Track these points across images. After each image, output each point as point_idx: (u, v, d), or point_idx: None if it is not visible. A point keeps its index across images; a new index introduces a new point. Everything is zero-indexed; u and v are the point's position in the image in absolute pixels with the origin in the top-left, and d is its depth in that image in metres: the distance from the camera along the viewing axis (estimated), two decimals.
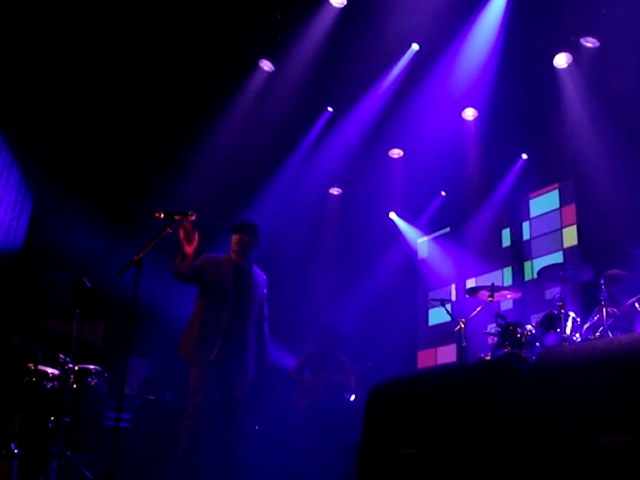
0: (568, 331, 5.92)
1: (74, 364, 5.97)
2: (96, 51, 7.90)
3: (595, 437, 2.05)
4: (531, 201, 9.84)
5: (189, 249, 5.32)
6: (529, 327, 6.21)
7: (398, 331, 10.64)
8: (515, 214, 9.95)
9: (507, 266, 9.93)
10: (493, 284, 6.78)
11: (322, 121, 9.56)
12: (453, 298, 10.70)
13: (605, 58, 7.69)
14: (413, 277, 11.33)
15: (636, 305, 5.76)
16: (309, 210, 10.51)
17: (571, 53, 7.91)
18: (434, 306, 10.33)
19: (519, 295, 7.36)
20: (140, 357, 8.82)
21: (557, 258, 9.08)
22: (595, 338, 5.80)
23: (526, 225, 9.82)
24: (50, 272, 8.53)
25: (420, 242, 11.41)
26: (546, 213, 9.55)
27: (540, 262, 9.27)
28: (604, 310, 5.69)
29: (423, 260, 11.37)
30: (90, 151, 9.32)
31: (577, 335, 5.98)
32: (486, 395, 2.43)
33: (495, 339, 6.42)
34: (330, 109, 9.43)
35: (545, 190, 9.59)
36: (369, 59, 8.22)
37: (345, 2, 7.66)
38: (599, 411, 2.08)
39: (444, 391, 2.67)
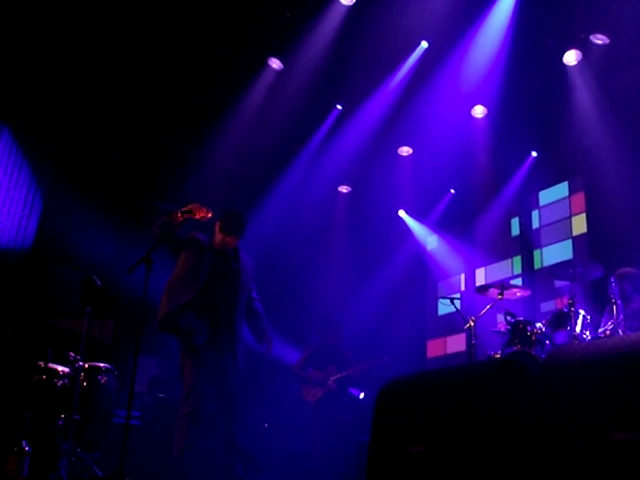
0: (578, 329, 5.91)
1: (84, 362, 6.00)
2: (106, 50, 7.92)
3: (605, 435, 2.05)
4: (540, 192, 9.84)
5: (181, 215, 5.26)
6: (539, 325, 6.21)
7: (407, 321, 10.70)
8: (524, 203, 9.92)
9: (516, 255, 9.93)
10: (503, 282, 6.78)
11: (331, 119, 9.56)
12: (462, 288, 10.74)
13: (615, 55, 7.66)
14: (422, 268, 11.31)
15: None
16: (318, 208, 10.51)
17: (581, 50, 7.88)
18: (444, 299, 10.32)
19: (529, 293, 7.34)
20: (149, 355, 8.84)
21: (566, 246, 9.11)
22: (605, 336, 5.79)
23: (535, 214, 9.81)
24: (60, 270, 8.56)
25: (429, 238, 11.40)
26: (555, 201, 9.54)
27: (549, 250, 9.38)
28: (614, 308, 5.68)
29: (432, 251, 11.36)
30: (100, 149, 9.34)
31: (587, 333, 5.97)
32: (496, 393, 2.43)
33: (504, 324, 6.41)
34: (339, 107, 9.42)
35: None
36: (378, 57, 8.21)
37: (354, 0, 7.65)
38: (609, 409, 2.07)
39: (454, 389, 2.67)
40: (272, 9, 7.66)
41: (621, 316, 5.80)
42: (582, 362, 2.22)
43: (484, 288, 6.86)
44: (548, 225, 9.57)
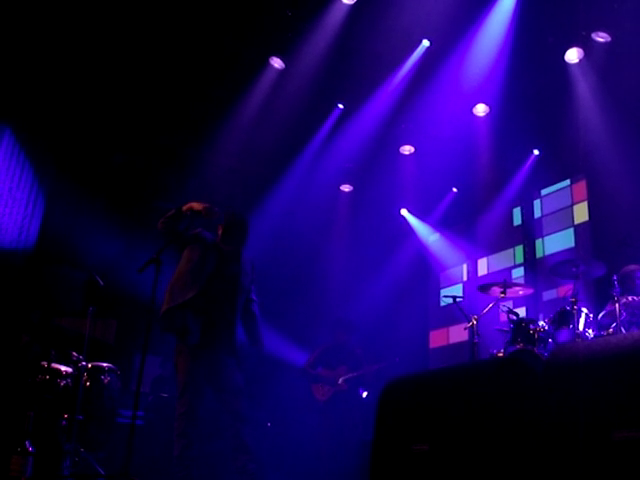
0: (581, 327, 5.90)
1: (87, 362, 6.00)
2: (107, 50, 7.93)
3: (608, 433, 2.05)
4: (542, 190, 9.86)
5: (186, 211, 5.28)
6: (541, 323, 6.20)
7: (410, 312, 10.78)
8: (526, 193, 9.95)
9: (518, 244, 9.95)
10: (505, 280, 6.77)
11: (333, 118, 9.56)
12: (464, 278, 10.77)
13: (616, 53, 7.66)
14: (424, 261, 11.32)
15: None
16: (320, 207, 10.51)
17: (582, 48, 7.88)
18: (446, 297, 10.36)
19: (531, 291, 7.34)
20: (152, 355, 8.84)
21: (568, 235, 9.13)
22: (608, 334, 5.79)
23: (537, 203, 9.82)
24: (63, 270, 8.56)
25: (431, 236, 11.42)
26: (557, 190, 9.55)
27: (551, 239, 9.40)
28: (617, 306, 5.68)
29: (434, 244, 11.37)
30: (102, 149, 9.35)
31: (590, 331, 5.96)
32: (499, 392, 2.43)
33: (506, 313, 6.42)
34: (341, 106, 9.42)
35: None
36: (379, 56, 8.22)
37: None
38: (612, 407, 2.07)
39: (457, 388, 2.67)
40: (273, 8, 7.67)
41: (624, 314, 5.80)
42: (585, 360, 2.22)
43: (486, 287, 6.85)
44: (550, 214, 9.58)
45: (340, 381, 8.16)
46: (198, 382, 5.17)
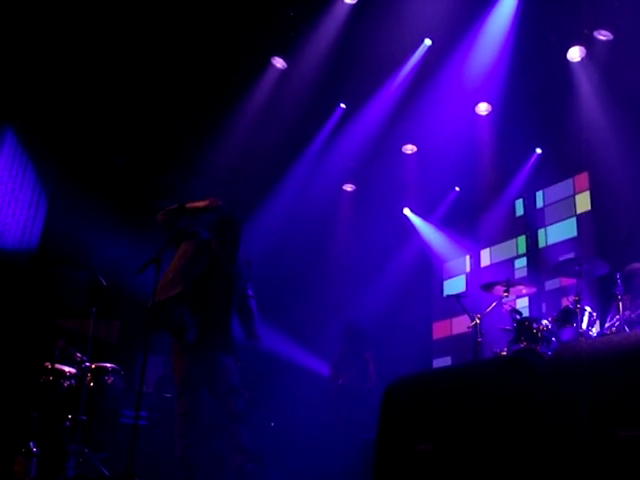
0: (584, 326, 5.90)
1: (91, 362, 6.01)
2: (110, 51, 7.94)
3: (612, 432, 2.05)
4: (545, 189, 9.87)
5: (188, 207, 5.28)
6: (545, 322, 6.20)
7: (414, 304, 10.85)
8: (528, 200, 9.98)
9: (521, 235, 9.96)
10: (509, 279, 6.76)
11: (335, 118, 9.56)
12: (467, 269, 10.80)
13: (619, 51, 7.65)
14: (427, 257, 11.35)
15: None
16: (323, 207, 10.51)
17: (585, 46, 7.87)
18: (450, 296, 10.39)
19: (534, 290, 7.34)
20: (155, 355, 8.85)
21: (571, 225, 9.13)
22: (612, 333, 5.79)
23: (539, 194, 9.81)
24: (66, 271, 8.57)
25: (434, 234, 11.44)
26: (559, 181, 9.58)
27: (554, 229, 9.40)
28: (620, 304, 5.67)
29: (437, 241, 11.39)
30: (104, 150, 9.36)
31: (593, 330, 5.96)
32: (502, 391, 2.43)
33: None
34: (343, 105, 9.42)
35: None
36: (381, 55, 8.21)
37: None
38: (616, 406, 2.07)
39: (460, 387, 2.67)
40: (275, 8, 7.67)
41: (627, 312, 5.79)
42: (588, 359, 2.22)
43: (490, 286, 6.84)
44: (552, 204, 9.58)
45: (340, 382, 8.21)
46: (196, 382, 5.15)
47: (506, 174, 9.87)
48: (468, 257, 10.84)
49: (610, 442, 2.04)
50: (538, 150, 9.63)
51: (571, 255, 8.67)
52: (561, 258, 8.75)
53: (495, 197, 10.14)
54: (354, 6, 7.73)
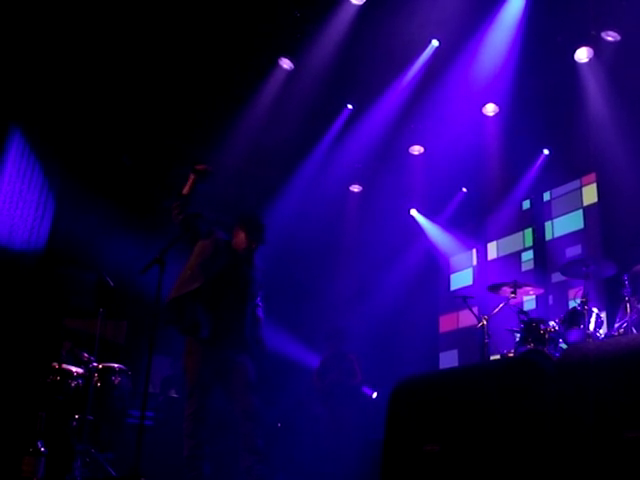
0: (592, 327, 5.89)
1: (98, 363, 6.03)
2: (117, 51, 7.95)
3: (620, 433, 2.05)
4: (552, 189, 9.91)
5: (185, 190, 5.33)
6: (552, 323, 6.19)
7: (420, 297, 10.89)
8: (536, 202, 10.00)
9: (527, 228, 10.01)
10: (516, 280, 6.75)
11: (342, 119, 9.56)
12: (474, 262, 10.84)
13: (626, 52, 7.63)
14: (434, 252, 11.40)
15: None
16: (330, 208, 10.52)
17: (592, 47, 7.86)
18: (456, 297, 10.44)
19: (541, 291, 7.33)
20: (163, 355, 8.86)
21: (577, 217, 9.18)
22: (619, 334, 5.77)
23: (546, 194, 9.88)
24: (73, 271, 8.58)
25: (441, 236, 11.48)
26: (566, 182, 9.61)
27: (561, 221, 9.46)
28: (628, 306, 5.65)
29: (444, 236, 11.44)
30: (112, 150, 9.38)
31: (601, 331, 5.95)
32: (509, 392, 2.43)
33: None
34: (350, 106, 9.42)
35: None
36: (388, 56, 8.21)
37: None
38: (623, 407, 2.07)
39: (468, 388, 2.67)
40: (282, 9, 7.67)
41: (634, 314, 5.78)
42: (596, 360, 2.22)
43: (497, 287, 6.83)
44: (559, 197, 9.63)
45: (327, 382, 8.30)
46: (207, 382, 5.13)
47: (513, 175, 9.87)
48: (475, 251, 10.89)
49: (617, 443, 2.04)
50: (545, 151, 9.62)
51: (578, 247, 8.85)
52: (568, 250, 8.95)
53: (502, 198, 10.14)
54: (361, 7, 7.73)
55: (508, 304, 6.65)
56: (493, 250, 10.52)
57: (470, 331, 9.96)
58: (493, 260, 10.46)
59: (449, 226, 11.14)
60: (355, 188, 11.22)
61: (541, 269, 9.47)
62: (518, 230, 10.13)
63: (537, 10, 7.44)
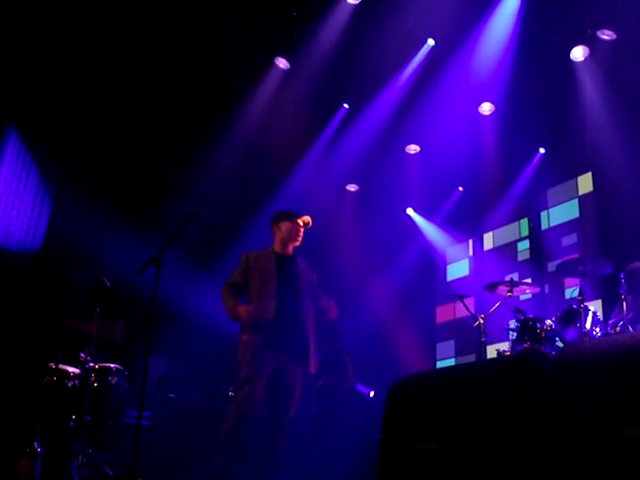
0: (588, 326, 5.88)
1: (95, 363, 6.02)
2: (114, 51, 7.95)
3: (616, 432, 2.05)
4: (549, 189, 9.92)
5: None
6: (549, 322, 6.18)
7: (417, 289, 10.95)
8: (533, 201, 10.03)
9: (523, 217, 10.04)
10: (512, 279, 6.76)
11: (338, 118, 9.56)
12: (470, 253, 10.88)
13: (622, 50, 7.64)
14: (431, 250, 11.45)
15: None
16: (326, 207, 10.51)
17: (588, 46, 7.86)
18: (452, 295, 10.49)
19: (538, 290, 7.33)
20: (160, 355, 8.86)
21: (572, 206, 9.22)
22: (615, 333, 5.77)
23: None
24: (70, 271, 8.58)
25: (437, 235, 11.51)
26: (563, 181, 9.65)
27: (556, 210, 9.49)
28: (624, 304, 5.66)
29: (440, 234, 11.50)
30: (109, 150, 9.37)
31: (597, 330, 5.95)
32: (506, 391, 2.43)
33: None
34: (346, 106, 9.42)
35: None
36: (384, 55, 8.21)
37: None
38: (620, 406, 2.07)
39: (464, 387, 2.67)
40: (278, 8, 7.67)
41: (631, 313, 5.78)
42: (592, 359, 2.22)
43: (493, 286, 6.83)
44: (555, 186, 9.66)
45: (320, 383, 8.31)
46: (259, 382, 5.07)
47: (510, 174, 9.88)
48: (471, 241, 10.94)
49: (614, 441, 2.04)
50: (542, 150, 9.63)
51: (574, 236, 8.93)
52: (564, 239, 9.03)
53: (498, 197, 10.15)
54: (357, 6, 7.73)
55: (505, 303, 6.66)
56: (489, 240, 10.58)
57: (467, 321, 10.05)
58: (489, 250, 10.53)
59: (445, 225, 11.16)
60: (352, 187, 11.22)
61: (537, 259, 9.55)
62: (514, 220, 10.19)
63: (533, 9, 7.44)
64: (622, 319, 5.70)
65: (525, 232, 9.94)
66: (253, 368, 5.09)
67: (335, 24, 7.87)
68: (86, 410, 5.66)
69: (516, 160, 9.70)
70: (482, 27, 7.76)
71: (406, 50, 8.32)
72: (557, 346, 6.06)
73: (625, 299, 5.69)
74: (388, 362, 10.07)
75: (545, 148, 9.60)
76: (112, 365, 6.27)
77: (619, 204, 8.22)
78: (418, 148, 10.16)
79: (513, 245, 10.05)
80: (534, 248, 9.70)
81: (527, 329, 6.17)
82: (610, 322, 6.07)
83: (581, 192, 9.14)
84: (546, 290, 9.13)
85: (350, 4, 7.72)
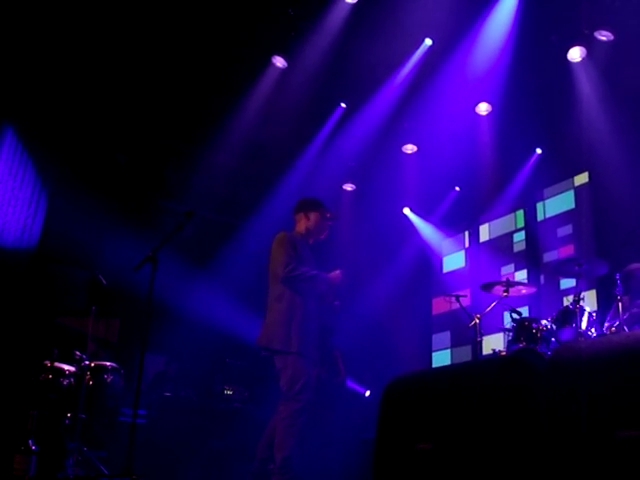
0: (584, 326, 5.89)
1: (90, 361, 6.01)
2: (110, 49, 7.94)
3: (611, 433, 2.05)
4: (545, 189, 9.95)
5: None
6: (544, 322, 6.19)
7: (413, 283, 11.02)
8: (528, 192, 10.06)
9: (519, 209, 10.10)
10: (508, 279, 6.77)
11: (335, 117, 9.56)
12: (467, 244, 10.94)
13: (619, 51, 7.65)
14: (427, 249, 11.50)
15: None
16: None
17: (585, 47, 7.87)
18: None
19: (534, 290, 7.34)
20: (156, 354, 8.86)
21: (568, 198, 9.28)
22: (611, 333, 5.78)
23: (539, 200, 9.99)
24: (65, 269, 8.56)
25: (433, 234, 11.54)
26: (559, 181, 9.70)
27: (552, 202, 9.55)
28: (620, 305, 5.67)
29: (436, 234, 11.56)
30: (105, 148, 9.36)
31: (593, 330, 5.96)
32: (501, 391, 2.43)
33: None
34: (343, 105, 9.42)
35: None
36: (382, 55, 8.20)
37: None
38: (615, 407, 2.07)
39: (459, 386, 2.67)
40: (275, 7, 7.67)
41: (626, 313, 5.79)
42: (588, 359, 2.22)
43: (489, 286, 6.84)
44: (550, 186, 9.71)
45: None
46: (312, 380, 5.16)
47: (506, 174, 9.89)
48: (467, 233, 10.98)
49: (609, 442, 2.04)
50: (538, 150, 9.64)
51: (569, 227, 9.00)
52: (559, 230, 9.12)
53: (495, 198, 10.18)
54: (354, 6, 7.72)
55: (501, 302, 6.67)
56: (485, 232, 10.64)
57: (463, 313, 10.11)
58: (485, 242, 10.59)
59: (441, 224, 11.18)
60: (348, 187, 11.22)
61: (532, 250, 9.60)
62: (510, 212, 10.24)
63: (530, 9, 7.44)
64: (618, 320, 5.71)
65: (521, 223, 10.02)
66: (308, 366, 5.20)
67: (332, 23, 7.87)
68: (81, 408, 5.64)
69: (513, 160, 9.72)
70: (480, 27, 7.77)
71: (404, 49, 8.32)
72: (553, 346, 6.07)
73: (621, 300, 5.69)
74: (385, 358, 10.10)
75: (542, 148, 9.61)
76: (108, 363, 6.26)
77: (615, 204, 8.23)
78: (415, 148, 10.17)
79: (509, 236, 10.13)
80: (530, 239, 9.77)
81: (523, 329, 6.18)
82: (606, 324, 6.08)
83: (577, 183, 9.24)
84: (542, 281, 9.22)
85: (348, 3, 7.72)
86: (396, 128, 9.56)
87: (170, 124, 9.22)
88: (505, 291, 6.60)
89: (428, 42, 8.21)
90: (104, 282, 6.49)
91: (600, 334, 5.93)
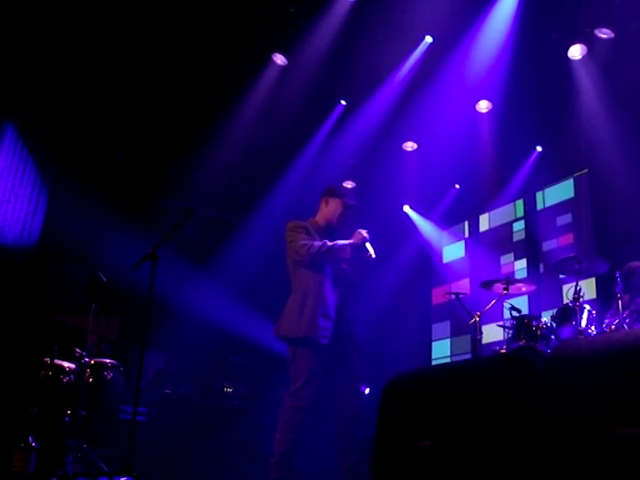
0: (583, 324, 5.89)
1: (91, 354, 6.01)
2: (110, 46, 7.93)
3: (611, 430, 2.05)
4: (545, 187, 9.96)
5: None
6: (544, 320, 6.19)
7: (413, 274, 11.07)
8: (528, 190, 10.08)
9: (519, 198, 10.12)
10: (508, 276, 6.76)
11: (335, 114, 9.55)
12: (466, 235, 10.97)
13: (620, 49, 7.64)
14: (426, 244, 11.53)
15: None
16: None
17: (586, 44, 7.86)
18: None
19: (534, 288, 7.34)
20: (156, 351, 8.86)
21: (567, 187, 9.32)
22: (611, 331, 5.78)
23: (539, 194, 9.98)
24: (65, 267, 8.57)
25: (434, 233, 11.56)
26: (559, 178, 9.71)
27: (552, 191, 9.60)
28: (620, 303, 5.67)
29: (436, 231, 11.61)
30: (105, 145, 9.36)
31: (593, 328, 5.96)
32: (501, 388, 2.43)
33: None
34: (343, 102, 9.42)
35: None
36: (382, 52, 8.20)
37: None
38: (615, 404, 2.07)
39: (459, 384, 2.67)
40: (276, 5, 7.66)
41: (626, 311, 5.79)
42: (588, 357, 2.22)
43: (489, 283, 6.83)
44: (550, 184, 9.73)
45: None
46: (321, 374, 4.91)
47: (506, 172, 9.89)
48: (467, 223, 11.01)
49: (609, 440, 2.04)
50: (539, 148, 9.64)
51: (568, 216, 9.05)
52: (558, 219, 9.17)
53: (495, 195, 10.18)
54: (355, 3, 7.72)
55: (500, 300, 6.66)
56: (485, 222, 10.67)
57: (463, 302, 10.12)
58: (485, 232, 10.62)
59: (441, 222, 11.18)
60: (348, 184, 11.21)
61: (532, 239, 9.63)
62: (509, 201, 10.25)
63: (530, 7, 7.44)
64: (618, 318, 5.71)
65: (521, 213, 10.04)
66: (316, 360, 5.00)
67: (333, 20, 7.86)
68: (81, 405, 5.65)
69: (513, 158, 9.71)
70: (480, 25, 7.76)
71: (404, 47, 8.31)
72: (552, 344, 6.07)
73: (621, 298, 5.69)
74: (385, 349, 10.13)
75: (542, 146, 9.61)
76: (108, 360, 6.27)
77: (615, 202, 8.23)
78: (415, 145, 10.16)
79: (509, 226, 10.15)
80: (529, 228, 9.79)
81: (522, 327, 6.18)
82: (606, 322, 6.08)
83: (576, 173, 9.27)
84: (541, 269, 9.29)
85: (348, 1, 7.71)
86: (396, 126, 9.56)
87: (170, 121, 9.22)
88: (505, 289, 6.60)
89: (428, 40, 8.20)
90: (104, 279, 6.49)
91: (600, 332, 5.93)
